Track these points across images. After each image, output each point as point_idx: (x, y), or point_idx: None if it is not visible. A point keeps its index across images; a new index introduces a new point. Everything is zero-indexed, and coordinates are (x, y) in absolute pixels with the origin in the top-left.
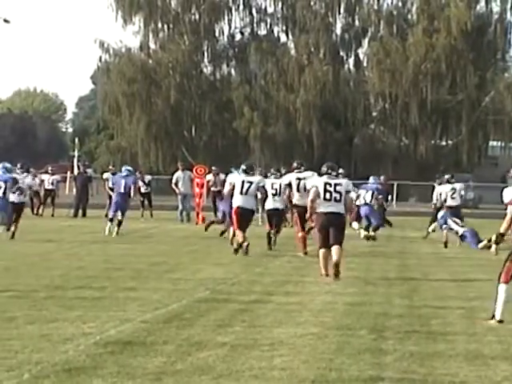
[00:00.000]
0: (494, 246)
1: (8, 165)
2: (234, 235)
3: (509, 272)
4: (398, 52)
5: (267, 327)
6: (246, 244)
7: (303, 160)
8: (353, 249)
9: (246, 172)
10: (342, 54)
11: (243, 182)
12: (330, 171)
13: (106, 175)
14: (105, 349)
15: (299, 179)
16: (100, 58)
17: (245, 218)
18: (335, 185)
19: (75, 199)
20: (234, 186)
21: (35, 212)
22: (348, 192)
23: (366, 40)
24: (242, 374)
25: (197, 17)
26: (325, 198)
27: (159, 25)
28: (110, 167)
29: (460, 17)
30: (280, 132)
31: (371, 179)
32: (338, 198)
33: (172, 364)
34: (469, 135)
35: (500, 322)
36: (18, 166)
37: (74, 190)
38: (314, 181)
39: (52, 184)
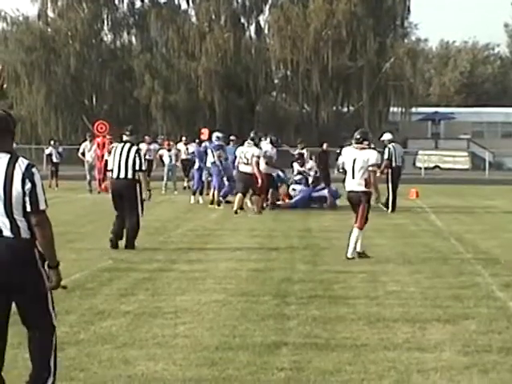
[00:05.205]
0: None
1: None
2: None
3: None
4: (298, 19)
5: (170, 295)
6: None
7: (208, 127)
8: (257, 215)
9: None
10: (243, 21)
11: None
12: (249, 141)
13: None
14: None
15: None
16: None
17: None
18: (245, 152)
19: None
20: None
21: None
22: (256, 157)
23: (267, 7)
24: (146, 343)
25: None
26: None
27: None
28: None
29: None
30: (182, 100)
31: (214, 137)
32: (246, 161)
33: (75, 334)
34: (370, 101)
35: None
36: None
37: None
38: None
39: None
